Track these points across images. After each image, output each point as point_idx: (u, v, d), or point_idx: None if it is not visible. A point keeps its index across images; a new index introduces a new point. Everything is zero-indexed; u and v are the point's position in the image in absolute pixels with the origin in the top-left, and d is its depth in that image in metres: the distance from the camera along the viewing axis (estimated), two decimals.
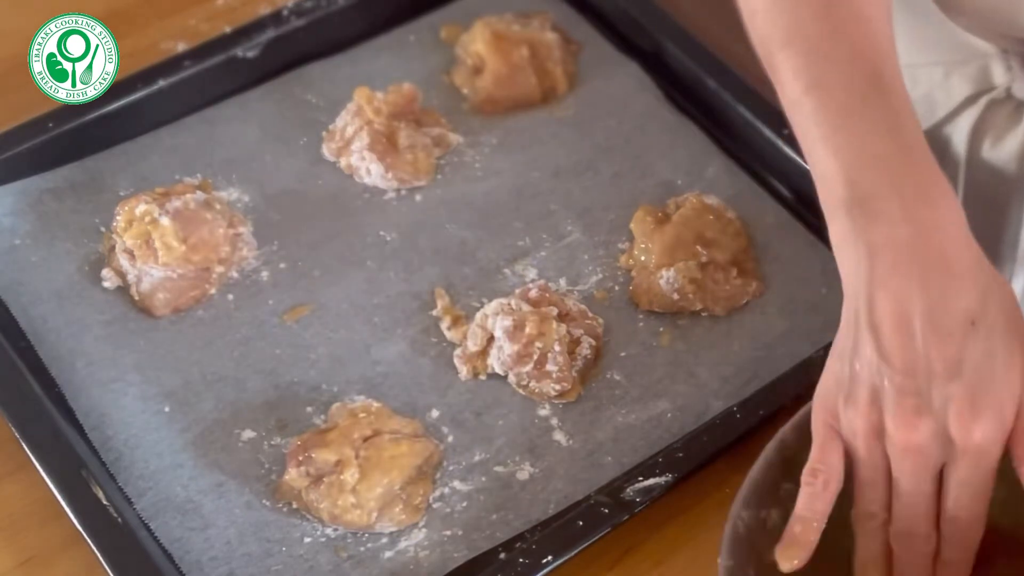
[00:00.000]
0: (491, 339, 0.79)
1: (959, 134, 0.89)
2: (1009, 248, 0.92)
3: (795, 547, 0.65)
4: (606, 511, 0.72)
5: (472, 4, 0.96)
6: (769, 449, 0.68)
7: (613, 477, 0.75)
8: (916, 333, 0.63)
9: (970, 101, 0.87)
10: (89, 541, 0.72)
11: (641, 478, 0.73)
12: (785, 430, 0.68)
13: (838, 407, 0.66)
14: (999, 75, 0.86)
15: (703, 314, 0.82)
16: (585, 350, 0.79)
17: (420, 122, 0.90)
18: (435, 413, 0.78)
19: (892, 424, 0.64)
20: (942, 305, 0.63)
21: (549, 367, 0.77)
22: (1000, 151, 0.88)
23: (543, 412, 0.78)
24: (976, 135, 0.88)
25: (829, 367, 0.66)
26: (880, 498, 0.66)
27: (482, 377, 0.79)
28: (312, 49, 0.94)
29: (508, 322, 0.78)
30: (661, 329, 0.81)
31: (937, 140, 0.90)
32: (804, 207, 0.86)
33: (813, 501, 0.65)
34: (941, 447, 0.64)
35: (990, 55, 0.86)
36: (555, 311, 0.79)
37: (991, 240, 0.93)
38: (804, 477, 0.66)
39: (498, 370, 0.79)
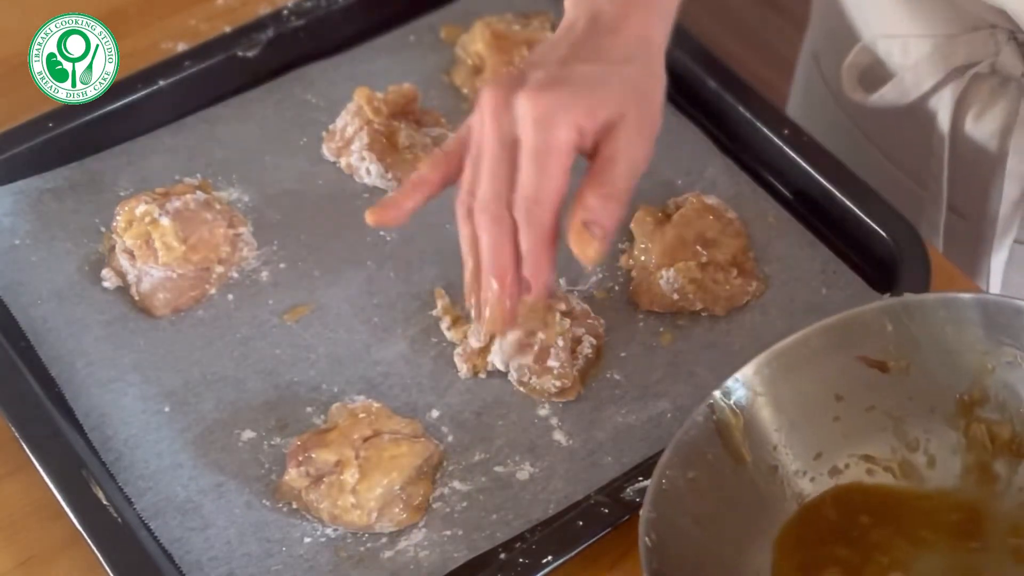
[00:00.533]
0: (493, 336, 0.79)
1: (944, 107, 0.90)
2: (991, 223, 0.92)
3: (387, 206, 0.73)
4: (606, 511, 0.72)
5: (472, 4, 0.96)
6: (696, 413, 0.69)
7: (613, 477, 0.75)
8: (561, 43, 0.72)
9: (956, 74, 0.89)
10: (89, 541, 0.72)
11: (641, 478, 0.73)
12: (715, 395, 0.70)
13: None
14: (985, 50, 0.87)
15: (703, 314, 0.82)
16: (586, 349, 0.79)
17: (420, 122, 0.90)
18: (435, 413, 0.78)
19: (482, 94, 0.70)
20: (595, 42, 0.71)
21: (551, 362, 0.77)
22: (983, 126, 0.89)
23: (543, 412, 0.78)
24: (960, 108, 0.89)
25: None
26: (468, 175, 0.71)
27: (482, 375, 0.79)
28: (312, 49, 0.94)
29: None
30: (661, 329, 0.81)
31: (923, 112, 0.91)
32: (804, 207, 0.86)
33: (421, 174, 0.74)
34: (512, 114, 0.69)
35: (978, 29, 0.87)
36: (562, 305, 0.79)
37: (975, 214, 0.94)
38: (430, 156, 0.74)
39: (499, 364, 0.78)
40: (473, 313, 0.74)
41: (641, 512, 0.66)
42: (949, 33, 0.88)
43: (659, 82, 0.74)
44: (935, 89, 0.90)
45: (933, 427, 0.72)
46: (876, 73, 0.93)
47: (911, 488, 0.72)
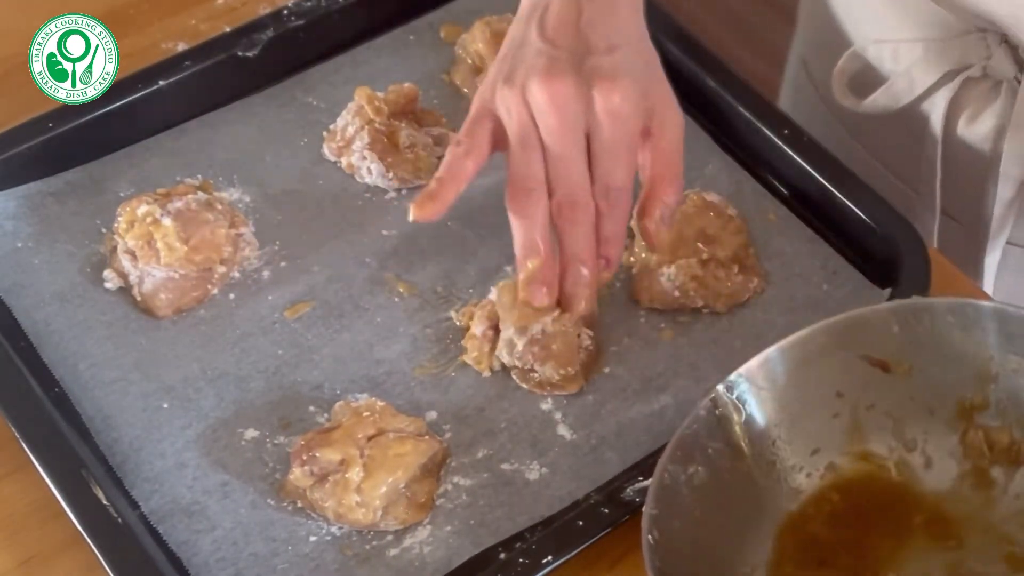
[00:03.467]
0: (496, 326, 0.79)
1: (936, 111, 0.90)
2: (985, 226, 0.92)
3: (428, 200, 0.73)
4: (606, 511, 0.72)
5: (472, 4, 0.96)
6: (699, 407, 0.69)
7: (616, 473, 0.75)
8: (580, 25, 0.73)
9: (948, 78, 0.89)
10: (89, 541, 0.71)
11: (641, 478, 0.73)
12: (718, 389, 0.70)
13: (497, 87, 0.73)
14: (977, 53, 0.87)
15: (704, 311, 0.82)
16: (585, 341, 0.79)
17: (421, 122, 0.90)
18: (438, 409, 0.78)
19: (536, 83, 0.71)
20: (605, 19, 0.73)
21: (554, 348, 0.77)
22: (976, 129, 0.90)
23: (546, 407, 0.78)
24: (952, 112, 0.89)
25: (495, 64, 0.75)
26: (533, 168, 0.72)
27: (486, 374, 0.79)
28: (312, 49, 0.94)
29: (509, 300, 0.78)
30: (663, 325, 0.81)
31: (916, 116, 0.92)
32: (804, 204, 0.86)
33: (453, 164, 0.74)
34: (583, 105, 0.71)
35: (969, 33, 0.87)
36: None
37: (967, 216, 0.94)
38: (450, 146, 0.74)
39: (505, 357, 0.78)
40: (535, 298, 0.75)
41: (644, 509, 0.66)
42: (940, 37, 0.89)
43: (654, 50, 0.77)
44: (927, 93, 0.90)
45: (932, 429, 0.72)
46: (867, 78, 0.93)
47: (908, 488, 0.72)
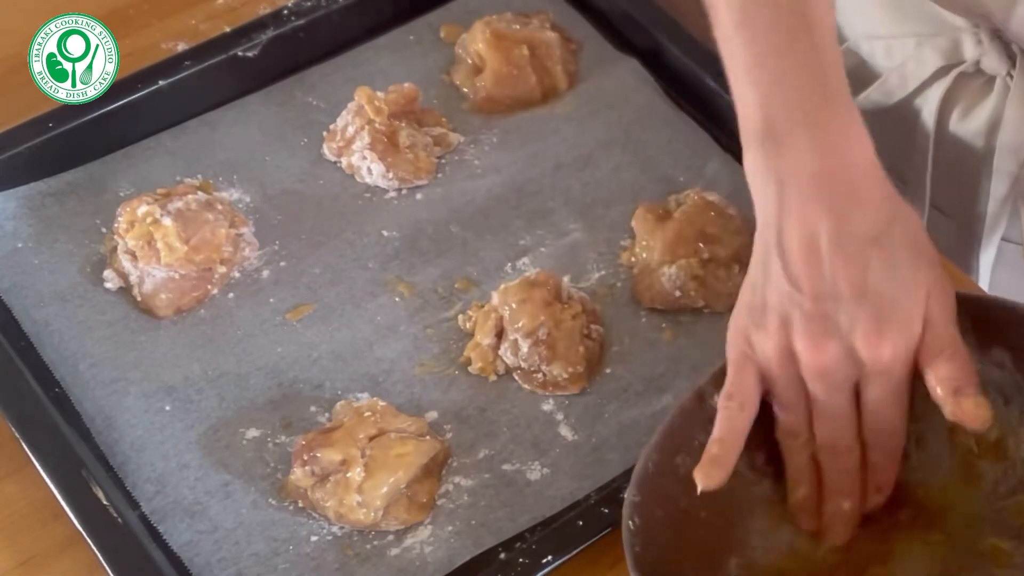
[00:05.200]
0: (501, 333, 0.79)
1: (929, 107, 0.90)
2: (978, 221, 0.92)
3: (713, 466, 0.67)
4: (606, 511, 0.72)
5: (472, 4, 0.96)
6: (686, 400, 0.70)
7: (617, 474, 0.75)
8: (823, 257, 0.65)
9: (941, 73, 0.89)
10: (89, 541, 0.71)
11: None
12: (705, 382, 0.70)
13: (751, 334, 0.68)
14: (969, 49, 0.88)
15: (705, 311, 0.82)
16: (591, 338, 0.79)
17: (421, 121, 0.90)
18: (439, 410, 0.78)
19: (801, 347, 0.67)
20: (847, 229, 0.65)
21: (560, 347, 0.77)
22: (968, 125, 0.90)
23: (547, 407, 0.78)
24: (945, 107, 0.89)
25: (742, 298, 0.69)
26: (799, 417, 0.69)
27: (492, 378, 0.79)
28: (312, 49, 0.94)
29: (514, 302, 0.79)
30: (664, 326, 0.82)
31: (908, 112, 0.92)
32: None
33: (730, 422, 0.68)
34: (852, 366, 0.67)
35: (962, 29, 0.87)
36: (567, 291, 0.79)
37: (961, 213, 0.94)
38: (720, 401, 0.68)
39: (509, 358, 0.78)
40: (802, 524, 0.72)
41: (625, 495, 0.67)
42: (933, 33, 0.89)
43: (915, 217, 0.68)
44: (920, 89, 0.90)
45: (920, 422, 0.72)
46: (860, 74, 0.93)
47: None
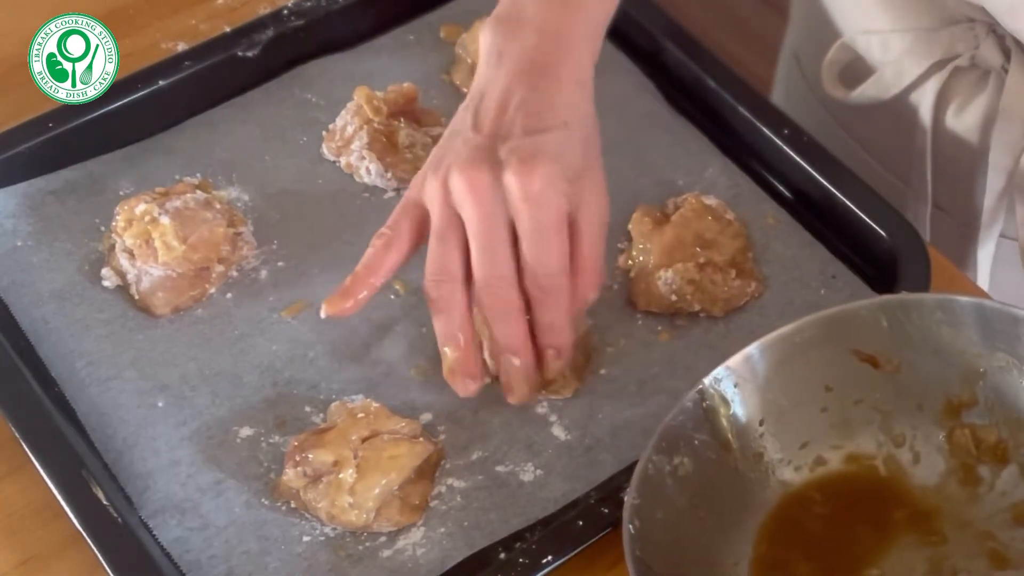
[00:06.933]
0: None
1: (925, 101, 0.90)
2: (975, 217, 0.93)
3: (341, 297, 0.73)
4: (606, 511, 0.72)
5: (472, 4, 0.96)
6: (685, 400, 0.70)
7: (611, 474, 0.75)
8: (509, 110, 0.72)
9: (937, 68, 0.89)
10: (89, 541, 0.72)
11: None
12: (705, 381, 0.70)
13: (426, 180, 0.73)
14: (964, 43, 0.87)
15: (701, 315, 0.82)
16: (581, 343, 0.78)
17: (420, 121, 0.90)
18: (433, 411, 0.78)
19: (456, 172, 0.71)
20: (539, 101, 0.72)
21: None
22: (964, 119, 0.90)
23: (541, 410, 0.78)
24: (940, 102, 0.89)
25: (432, 153, 0.74)
26: (449, 259, 0.72)
27: (486, 380, 0.79)
28: (312, 49, 0.94)
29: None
30: (659, 329, 0.81)
31: (905, 108, 0.92)
32: (804, 208, 0.86)
33: (372, 258, 0.74)
34: (503, 199, 0.70)
35: (956, 23, 0.87)
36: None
37: (959, 209, 0.94)
38: (372, 240, 0.74)
39: (491, 363, 0.78)
40: (459, 389, 0.75)
41: (625, 498, 0.67)
42: (929, 27, 0.89)
43: (597, 128, 0.75)
44: (916, 83, 0.91)
45: (920, 424, 0.72)
46: (856, 69, 0.93)
47: (895, 483, 0.72)
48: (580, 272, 0.73)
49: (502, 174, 0.70)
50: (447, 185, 0.71)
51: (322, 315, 0.74)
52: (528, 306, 0.73)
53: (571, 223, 0.72)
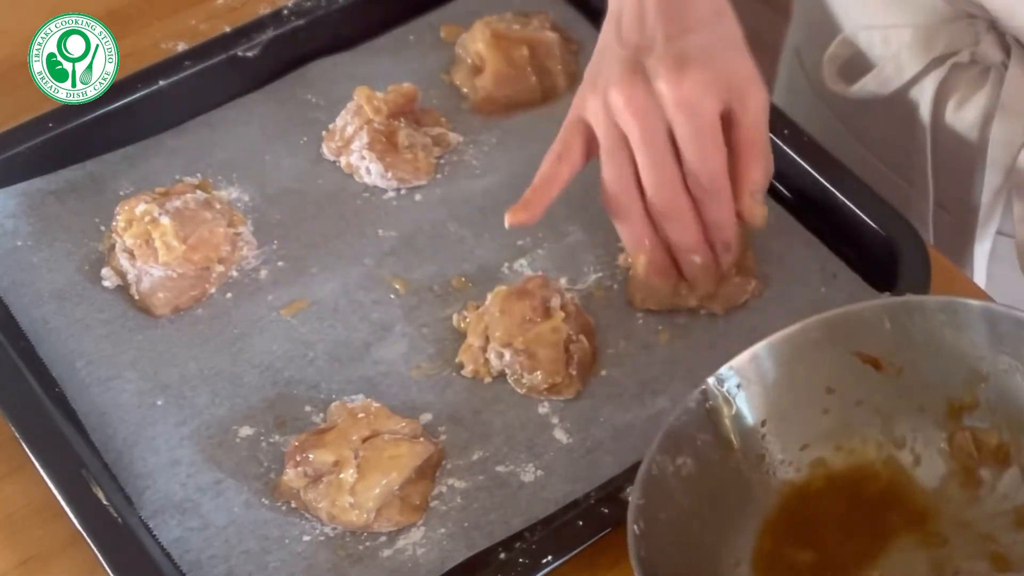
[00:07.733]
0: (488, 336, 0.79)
1: (925, 97, 0.90)
2: (973, 214, 0.93)
3: (523, 209, 0.76)
4: (606, 511, 0.72)
5: (472, 4, 0.96)
6: (687, 400, 0.70)
7: (612, 475, 0.75)
8: (647, 20, 0.74)
9: (937, 63, 0.89)
10: (89, 541, 0.72)
11: None
12: (709, 382, 0.70)
13: (586, 99, 0.76)
14: (965, 39, 0.87)
15: (701, 312, 0.82)
16: (581, 347, 0.79)
17: (420, 121, 0.90)
18: (434, 411, 0.78)
19: (613, 92, 0.73)
20: (676, 2, 0.74)
21: (540, 358, 0.77)
22: (964, 116, 0.90)
23: (543, 411, 0.78)
24: (940, 98, 0.89)
25: (587, 70, 0.77)
26: (622, 171, 0.75)
27: (487, 380, 0.79)
28: (312, 49, 0.94)
29: (497, 311, 0.78)
30: (660, 327, 0.81)
31: (905, 103, 0.92)
32: (804, 206, 0.86)
33: (547, 171, 0.77)
34: (661, 107, 0.73)
35: (958, 19, 0.87)
36: (558, 300, 0.79)
37: (957, 205, 0.94)
38: (546, 156, 0.77)
39: (495, 363, 0.78)
40: (660, 285, 0.79)
41: (630, 499, 0.67)
42: (929, 23, 0.89)
43: (736, 20, 0.77)
44: (916, 79, 0.91)
45: (921, 426, 0.72)
46: (857, 64, 0.93)
47: (895, 485, 0.72)
48: (743, 158, 0.75)
49: (656, 85, 0.73)
50: (607, 102, 0.74)
51: (506, 225, 0.76)
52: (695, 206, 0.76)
53: (729, 116, 0.74)
